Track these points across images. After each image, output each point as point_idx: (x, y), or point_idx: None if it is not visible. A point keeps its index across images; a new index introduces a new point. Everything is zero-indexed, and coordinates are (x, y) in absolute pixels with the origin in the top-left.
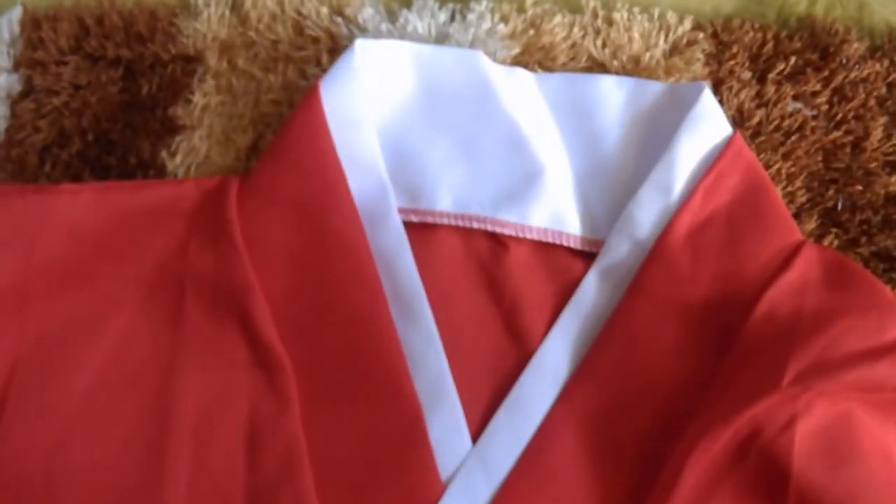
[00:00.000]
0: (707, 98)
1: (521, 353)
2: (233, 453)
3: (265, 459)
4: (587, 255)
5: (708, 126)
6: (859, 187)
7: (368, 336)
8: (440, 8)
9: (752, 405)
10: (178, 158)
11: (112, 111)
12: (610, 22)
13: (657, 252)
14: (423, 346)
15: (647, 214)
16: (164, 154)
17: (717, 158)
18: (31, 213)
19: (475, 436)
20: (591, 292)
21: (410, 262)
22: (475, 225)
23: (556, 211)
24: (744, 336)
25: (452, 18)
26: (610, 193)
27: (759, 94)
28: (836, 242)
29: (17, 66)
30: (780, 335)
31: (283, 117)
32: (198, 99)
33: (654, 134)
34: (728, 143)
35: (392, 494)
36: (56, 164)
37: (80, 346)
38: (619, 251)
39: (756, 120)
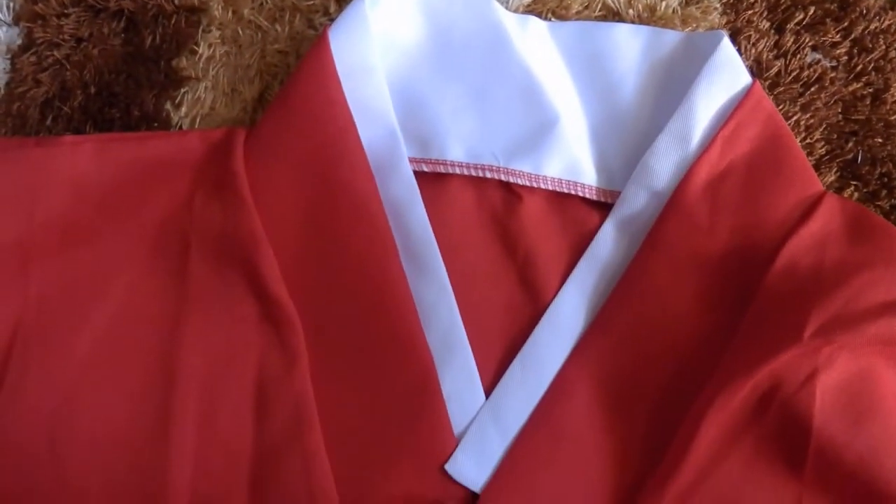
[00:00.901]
0: (726, 47)
1: (534, 306)
2: (240, 411)
3: (273, 417)
4: (602, 207)
5: (727, 75)
6: (879, 140)
7: (379, 289)
8: None
9: (773, 358)
10: (183, 110)
11: (115, 63)
12: None
13: (675, 203)
14: (435, 298)
15: (664, 165)
16: (168, 106)
17: (737, 108)
18: (32, 168)
19: (488, 390)
20: (606, 244)
21: (422, 212)
22: (488, 175)
23: (570, 161)
24: (763, 289)
25: None
26: (626, 144)
27: (777, 45)
28: (855, 195)
29: (17, 20)
30: (801, 288)
31: (290, 68)
32: (202, 50)
33: (671, 84)
34: (747, 93)
35: (404, 450)
36: (58, 118)
37: (83, 306)
38: (636, 202)
39: (774, 70)
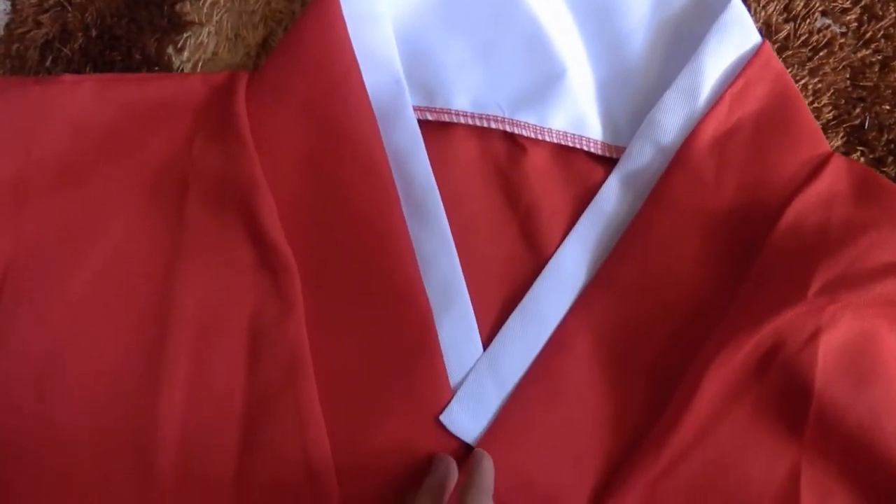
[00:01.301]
0: (736, 6)
1: (536, 259)
2: (233, 358)
3: (267, 364)
4: (607, 161)
5: (736, 34)
6: (887, 107)
7: (379, 237)
8: None
9: (777, 316)
10: (185, 55)
11: (117, 6)
12: None
13: (681, 158)
14: (436, 247)
15: (671, 120)
16: (170, 50)
17: (746, 66)
18: (30, 105)
19: (486, 341)
20: (610, 199)
21: (425, 161)
22: (493, 125)
23: (576, 114)
24: (769, 247)
25: None
26: (633, 99)
27: (787, 8)
28: (862, 161)
29: None
30: (806, 247)
31: (295, 14)
32: None
33: (680, 40)
34: (757, 52)
35: (399, 399)
36: (57, 59)
37: (78, 247)
38: (642, 157)
39: (783, 34)
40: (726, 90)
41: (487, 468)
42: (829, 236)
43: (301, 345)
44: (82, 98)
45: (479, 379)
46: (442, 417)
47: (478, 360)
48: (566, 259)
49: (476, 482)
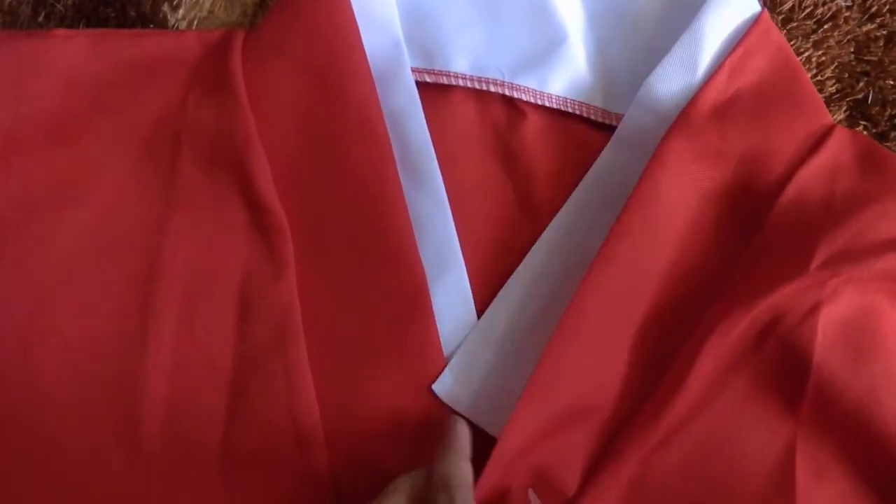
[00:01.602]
0: None
1: (532, 225)
2: (222, 319)
3: (256, 326)
4: (606, 129)
5: (736, 2)
6: (891, 82)
7: (374, 199)
8: None
9: (777, 289)
10: (181, 13)
11: None
12: None
13: (680, 126)
14: (431, 211)
15: (669, 88)
16: (165, 8)
17: (745, 36)
18: (21, 59)
19: (480, 307)
20: (608, 166)
21: (422, 123)
22: (492, 89)
23: (576, 80)
24: (771, 220)
25: None
26: (634, 67)
27: None
28: (864, 134)
29: None
30: (809, 219)
31: None
32: None
33: (681, 7)
34: (755, 21)
35: (390, 365)
36: (50, 15)
37: (66, 204)
38: (640, 125)
39: (788, 6)
40: (725, 59)
41: (462, 432)
42: (832, 209)
43: (292, 307)
44: (75, 53)
45: (473, 347)
46: (434, 386)
47: (472, 328)
48: (563, 226)
49: (452, 446)
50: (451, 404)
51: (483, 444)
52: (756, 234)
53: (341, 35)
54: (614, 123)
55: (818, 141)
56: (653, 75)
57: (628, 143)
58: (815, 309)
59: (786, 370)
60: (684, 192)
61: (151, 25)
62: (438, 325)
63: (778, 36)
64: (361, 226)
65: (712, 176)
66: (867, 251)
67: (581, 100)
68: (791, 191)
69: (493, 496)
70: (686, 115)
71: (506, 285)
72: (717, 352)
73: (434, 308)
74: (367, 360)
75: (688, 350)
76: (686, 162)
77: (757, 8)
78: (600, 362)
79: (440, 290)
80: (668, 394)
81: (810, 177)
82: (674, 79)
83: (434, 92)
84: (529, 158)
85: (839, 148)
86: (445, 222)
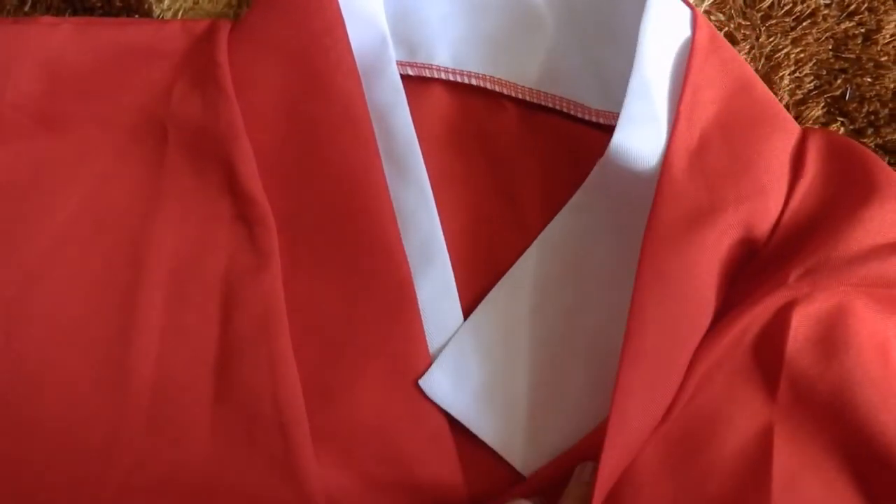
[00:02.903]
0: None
1: (513, 218)
2: (207, 309)
3: (241, 317)
4: (587, 123)
5: (670, 30)
6: (868, 79)
7: (359, 192)
8: None
9: (757, 304)
10: (166, 3)
11: None
12: None
13: (663, 195)
14: (415, 204)
15: (638, 145)
16: None
17: (686, 74)
18: (5, 45)
19: (463, 301)
20: (603, 178)
21: (407, 117)
22: (473, 82)
23: (555, 74)
24: (765, 250)
25: None
26: (614, 61)
27: None
28: (842, 131)
29: None
30: (797, 240)
31: None
32: None
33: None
34: (691, 52)
35: (375, 360)
36: (37, 4)
37: (51, 192)
38: (621, 181)
39: (767, 3)
40: (679, 107)
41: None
42: (817, 224)
43: (276, 298)
44: (60, 40)
45: (461, 347)
46: (421, 382)
47: (460, 327)
48: (556, 232)
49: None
50: (437, 401)
51: (467, 442)
52: (751, 262)
53: (327, 28)
54: (595, 119)
55: (797, 161)
56: (616, 137)
57: (606, 199)
58: (789, 306)
59: (762, 363)
60: (689, 259)
61: (136, 15)
62: (423, 318)
63: (720, 53)
64: (346, 218)
65: (711, 232)
66: (846, 261)
67: (560, 94)
68: (786, 222)
69: None
70: (665, 180)
71: (496, 287)
72: (703, 365)
73: (419, 301)
74: (352, 352)
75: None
76: (681, 230)
77: (687, 32)
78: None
79: (425, 283)
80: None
81: (801, 203)
82: (639, 137)
83: (416, 84)
84: (510, 151)
85: (819, 164)
86: (430, 216)
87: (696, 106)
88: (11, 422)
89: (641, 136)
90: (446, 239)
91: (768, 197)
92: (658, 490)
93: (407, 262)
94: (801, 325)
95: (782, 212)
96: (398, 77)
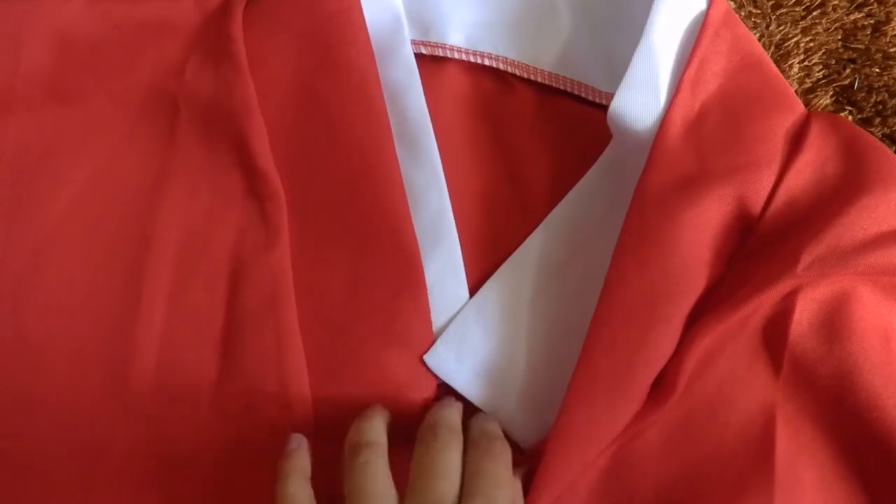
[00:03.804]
0: None
1: (521, 198)
2: (214, 284)
3: (248, 292)
4: (598, 107)
5: (681, 5)
6: (877, 70)
7: (370, 170)
8: None
9: (765, 289)
10: None
11: None
12: None
13: (655, 159)
14: (426, 183)
15: (635, 113)
16: None
17: (695, 45)
18: (17, 17)
19: (470, 279)
20: (610, 160)
21: (420, 97)
22: (486, 62)
23: (568, 56)
24: (762, 225)
25: None
26: (627, 45)
27: None
28: (849, 119)
29: None
30: (798, 220)
31: None
32: None
33: None
34: (704, 24)
35: (381, 335)
36: None
37: (61, 165)
38: (618, 148)
39: None
40: (682, 76)
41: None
42: (819, 207)
43: (284, 274)
44: (72, 13)
45: (466, 324)
46: (426, 358)
47: (465, 305)
48: (563, 216)
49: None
50: (442, 377)
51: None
52: (747, 240)
53: (342, 7)
54: (604, 102)
55: (798, 138)
56: (616, 99)
57: (612, 168)
58: (794, 292)
59: (765, 347)
60: (674, 226)
61: None
62: (430, 296)
63: (730, 32)
64: (356, 195)
65: (700, 196)
66: (853, 250)
67: (572, 76)
68: (782, 196)
69: None
70: (658, 146)
71: (503, 266)
72: (701, 349)
73: (427, 280)
74: (358, 326)
75: (678, 352)
76: (671, 190)
77: (703, 5)
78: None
79: (433, 262)
80: (655, 386)
81: (798, 179)
82: (638, 102)
83: (429, 63)
84: (520, 133)
85: (822, 141)
86: (441, 196)
87: (701, 77)
88: (14, 392)
89: (641, 100)
90: (455, 219)
91: (761, 169)
92: (660, 471)
93: (415, 240)
94: (806, 309)
95: (777, 186)
96: (412, 57)
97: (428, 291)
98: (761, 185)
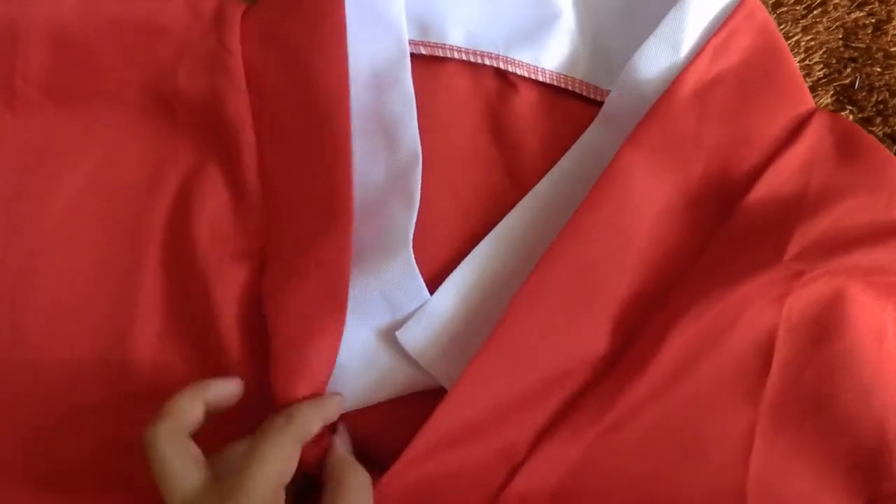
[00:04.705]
0: None
1: (520, 197)
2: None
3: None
4: (598, 105)
5: None
6: (878, 69)
7: (329, 202)
8: None
9: (751, 278)
10: None
11: None
12: None
13: (659, 109)
14: (407, 221)
15: (652, 69)
16: None
17: (730, 16)
18: (14, 16)
19: None
20: (592, 143)
21: (415, 130)
22: (486, 62)
23: (570, 56)
24: (745, 208)
25: None
26: (628, 44)
27: None
28: (850, 118)
29: None
30: (784, 209)
31: None
32: None
33: None
34: (741, 1)
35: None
36: None
37: (60, 166)
38: (623, 104)
39: None
40: (709, 40)
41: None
42: (808, 199)
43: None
44: (65, 12)
45: (442, 301)
46: (398, 334)
47: (444, 282)
48: (542, 194)
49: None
50: (414, 355)
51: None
52: (726, 223)
53: (332, 38)
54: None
55: (797, 128)
56: (637, 54)
57: (612, 121)
58: (783, 294)
59: (751, 352)
60: (658, 173)
61: None
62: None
63: (764, 15)
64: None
65: (688, 159)
66: (842, 244)
67: (574, 76)
68: (766, 180)
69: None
70: (665, 100)
71: (481, 243)
72: (685, 337)
73: (383, 279)
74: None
75: (653, 332)
76: (663, 144)
77: None
78: (563, 335)
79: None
80: (629, 373)
81: (787, 166)
82: (658, 59)
83: (429, 63)
84: (520, 132)
85: (818, 136)
86: (408, 235)
87: (727, 47)
88: (13, 390)
89: (662, 55)
90: (450, 214)
91: (752, 150)
92: (635, 469)
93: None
94: (795, 309)
95: (763, 171)
96: (411, 89)
97: (381, 287)
98: (748, 164)
